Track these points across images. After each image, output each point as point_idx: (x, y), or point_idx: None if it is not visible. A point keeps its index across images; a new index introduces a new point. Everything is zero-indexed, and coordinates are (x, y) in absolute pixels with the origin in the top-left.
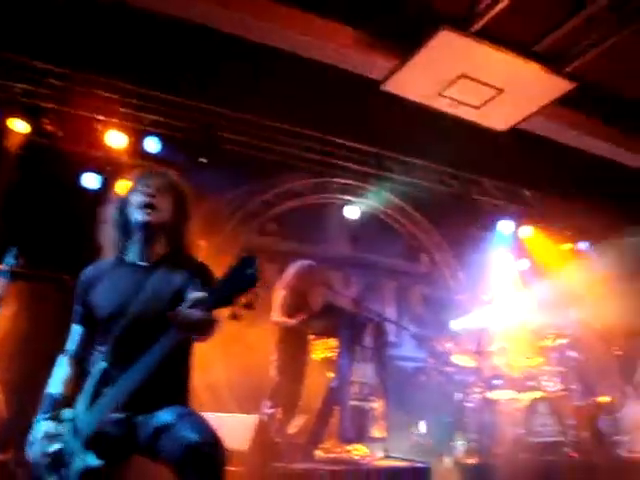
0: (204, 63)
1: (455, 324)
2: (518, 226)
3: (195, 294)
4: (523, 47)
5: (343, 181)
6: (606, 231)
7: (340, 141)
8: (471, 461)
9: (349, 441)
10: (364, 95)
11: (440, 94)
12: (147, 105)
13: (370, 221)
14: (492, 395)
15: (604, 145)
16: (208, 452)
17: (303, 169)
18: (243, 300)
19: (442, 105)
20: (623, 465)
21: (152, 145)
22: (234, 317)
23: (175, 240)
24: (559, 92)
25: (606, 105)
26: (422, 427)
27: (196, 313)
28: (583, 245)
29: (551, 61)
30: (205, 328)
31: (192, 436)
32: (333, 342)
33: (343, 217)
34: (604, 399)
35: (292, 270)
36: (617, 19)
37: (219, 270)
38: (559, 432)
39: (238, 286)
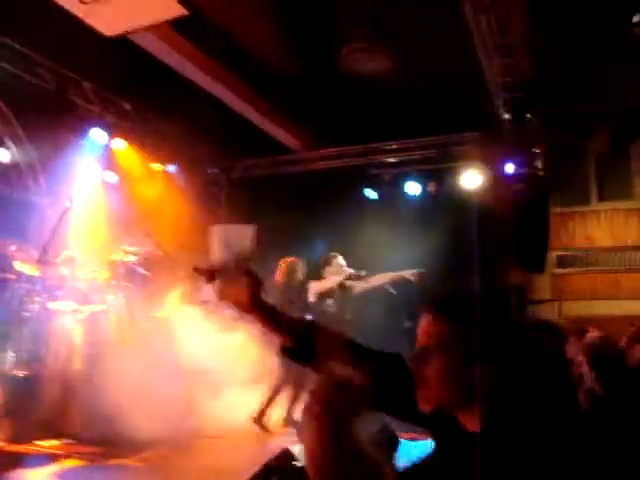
0: None
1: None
2: (111, 137)
3: None
4: None
5: None
6: (195, 159)
7: None
8: (21, 373)
9: None
10: None
11: None
12: None
13: None
14: (53, 306)
15: (207, 79)
16: None
17: None
18: None
19: None
20: None
21: None
22: None
23: None
24: (170, 15)
25: (217, 41)
26: None
27: None
28: (172, 168)
29: None
30: None
31: None
32: None
33: None
34: None
35: None
36: None
37: None
38: None
39: None
